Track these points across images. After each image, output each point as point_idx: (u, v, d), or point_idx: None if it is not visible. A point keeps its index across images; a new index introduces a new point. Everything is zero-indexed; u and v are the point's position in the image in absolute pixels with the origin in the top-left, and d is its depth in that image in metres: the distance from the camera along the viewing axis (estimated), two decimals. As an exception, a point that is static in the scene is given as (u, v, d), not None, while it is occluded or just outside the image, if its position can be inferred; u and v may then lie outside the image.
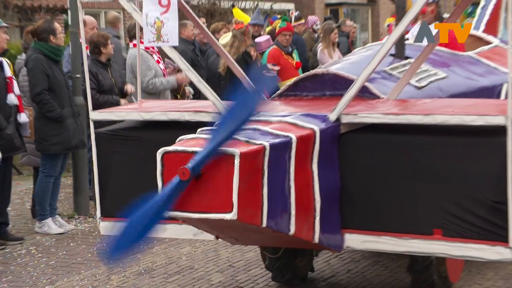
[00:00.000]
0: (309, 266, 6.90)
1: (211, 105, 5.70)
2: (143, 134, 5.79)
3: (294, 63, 12.41)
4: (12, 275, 7.66)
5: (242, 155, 4.40)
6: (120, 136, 5.88)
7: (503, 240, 4.87)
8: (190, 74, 5.98)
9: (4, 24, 9.26)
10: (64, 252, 8.01)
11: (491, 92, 6.55)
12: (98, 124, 6.14)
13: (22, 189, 10.90)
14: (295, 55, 13.16)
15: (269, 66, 11.90)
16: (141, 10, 5.50)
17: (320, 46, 15.53)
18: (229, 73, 11.06)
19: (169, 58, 9.03)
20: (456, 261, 6.09)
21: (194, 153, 4.41)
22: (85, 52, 7.16)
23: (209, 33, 7.01)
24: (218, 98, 5.88)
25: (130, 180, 5.57)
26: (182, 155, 4.44)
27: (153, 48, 9.92)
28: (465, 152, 5.07)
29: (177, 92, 10.67)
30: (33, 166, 10.19)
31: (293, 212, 4.96)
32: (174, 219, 4.96)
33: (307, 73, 6.53)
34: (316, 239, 5.22)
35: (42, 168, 9.41)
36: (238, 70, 6.93)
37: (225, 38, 12.09)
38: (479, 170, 5.00)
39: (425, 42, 6.39)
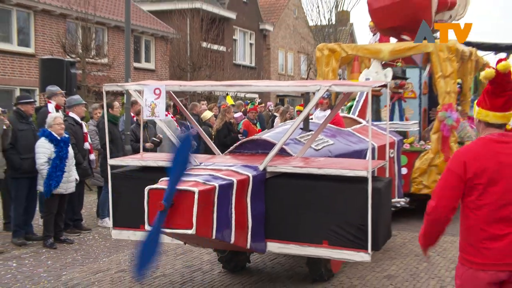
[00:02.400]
0: (247, 260, 6.27)
1: None
2: (141, 174, 5.22)
3: (257, 130, 11.92)
4: (83, 251, 7.21)
5: (200, 192, 4.03)
6: (127, 175, 5.34)
7: (365, 248, 4.53)
8: (172, 137, 5.39)
9: (84, 102, 8.76)
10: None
11: (360, 153, 6.13)
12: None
13: (91, 199, 10.19)
14: (258, 125, 12.72)
15: (242, 130, 11.42)
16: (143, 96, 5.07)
17: (277, 119, 14.83)
18: (217, 135, 10.57)
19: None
20: (337, 260, 5.54)
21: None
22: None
23: (188, 113, 6.42)
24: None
25: (132, 204, 5.00)
26: (161, 191, 3.99)
27: (172, 116, 9.31)
28: (343, 192, 4.68)
29: None
30: (97, 185, 9.51)
31: (233, 228, 4.51)
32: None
33: (247, 138, 6.07)
34: (248, 246, 4.74)
35: (104, 187, 8.54)
36: (203, 134, 6.52)
37: (206, 113, 11.51)
38: (351, 204, 4.62)
39: (321, 120, 6.03)
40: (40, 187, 7.24)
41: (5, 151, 7.13)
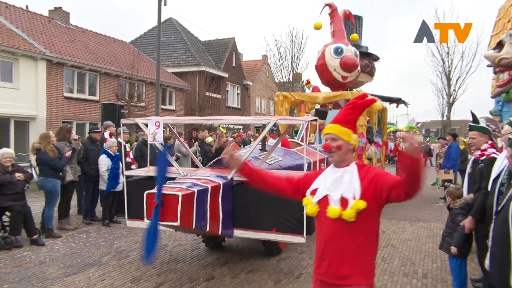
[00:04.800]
0: (222, 240, 5.78)
1: (176, 170, 4.68)
2: (146, 182, 4.70)
3: (242, 150, 11.27)
4: (127, 229, 6.77)
5: (183, 196, 3.59)
6: (136, 182, 4.84)
7: (301, 233, 4.11)
8: (168, 157, 4.84)
9: (128, 131, 8.23)
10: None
11: (301, 167, 5.58)
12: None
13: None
14: (242, 146, 11.96)
15: (232, 150, 10.60)
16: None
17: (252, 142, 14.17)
18: (215, 153, 9.76)
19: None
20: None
21: (163, 195, 3.53)
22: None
23: (182, 141, 5.91)
24: (178, 166, 4.78)
25: (139, 202, 4.42)
26: (155, 194, 3.45)
27: (184, 141, 8.69)
28: None
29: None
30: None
31: (208, 220, 3.99)
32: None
33: (222, 156, 5.41)
34: (220, 233, 4.25)
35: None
36: (193, 155, 5.85)
37: (209, 138, 10.86)
38: (292, 203, 3.96)
39: (272, 144, 5.63)
40: (101, 187, 7.17)
41: (80, 163, 7.17)
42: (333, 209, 2.06)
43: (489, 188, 3.28)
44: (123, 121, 4.82)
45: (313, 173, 2.35)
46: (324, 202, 2.12)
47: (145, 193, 3.60)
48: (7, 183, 5.52)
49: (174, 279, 4.50)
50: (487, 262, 2.87)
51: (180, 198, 3.54)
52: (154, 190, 3.60)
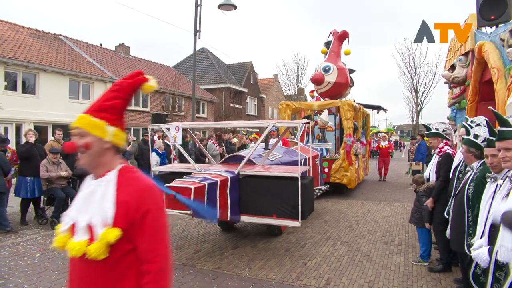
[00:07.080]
0: (234, 223, 5.26)
1: (192, 166, 4.32)
2: (169, 176, 4.30)
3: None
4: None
5: (195, 189, 3.18)
6: (162, 176, 4.41)
7: (297, 218, 3.63)
8: (185, 153, 4.44)
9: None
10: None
11: (297, 163, 5.03)
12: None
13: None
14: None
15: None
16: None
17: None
18: (237, 151, 9.15)
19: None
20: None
21: (179, 187, 3.16)
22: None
23: (199, 143, 5.42)
24: (194, 163, 4.39)
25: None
26: (173, 188, 3.18)
27: (214, 141, 8.19)
28: (284, 186, 3.73)
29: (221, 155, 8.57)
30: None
31: (218, 209, 3.54)
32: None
33: (231, 154, 4.97)
34: (229, 218, 3.80)
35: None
36: (208, 154, 5.37)
37: (234, 139, 10.32)
38: (289, 192, 3.68)
39: (273, 142, 5.15)
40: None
41: (136, 158, 7.12)
42: (74, 244, 1.05)
43: (450, 176, 3.20)
44: (150, 126, 4.47)
45: None
46: (73, 231, 1.10)
47: (165, 185, 3.22)
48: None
49: (208, 247, 4.28)
50: (448, 232, 2.83)
51: (192, 191, 3.17)
52: (172, 184, 3.30)
